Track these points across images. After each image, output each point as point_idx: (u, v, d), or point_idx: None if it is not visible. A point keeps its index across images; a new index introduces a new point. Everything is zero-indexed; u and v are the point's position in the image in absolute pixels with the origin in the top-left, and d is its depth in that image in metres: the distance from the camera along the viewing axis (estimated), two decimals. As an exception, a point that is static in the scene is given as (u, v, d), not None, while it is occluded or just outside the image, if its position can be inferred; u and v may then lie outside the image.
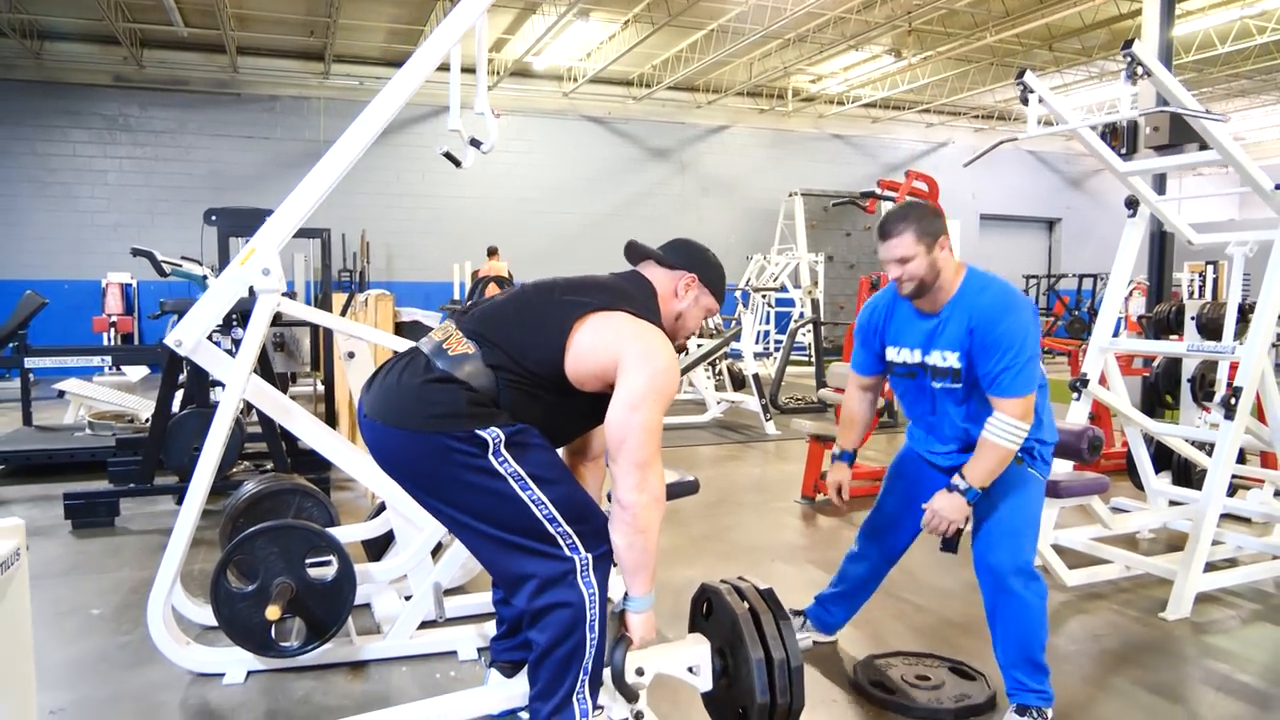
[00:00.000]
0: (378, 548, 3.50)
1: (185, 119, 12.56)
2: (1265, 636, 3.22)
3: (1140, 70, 3.25)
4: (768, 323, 14.67)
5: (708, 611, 2.36)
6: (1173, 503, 4.17)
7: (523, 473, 1.92)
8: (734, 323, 12.45)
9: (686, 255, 2.20)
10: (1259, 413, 3.77)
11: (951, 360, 2.48)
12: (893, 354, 2.67)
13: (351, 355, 3.15)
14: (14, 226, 11.84)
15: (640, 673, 2.13)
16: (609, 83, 14.14)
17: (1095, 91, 15.00)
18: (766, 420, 7.56)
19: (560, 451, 2.19)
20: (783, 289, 13.68)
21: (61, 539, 4.33)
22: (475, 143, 3.05)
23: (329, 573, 2.86)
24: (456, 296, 12.68)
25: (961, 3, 10.08)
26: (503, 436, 1.91)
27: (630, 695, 2.09)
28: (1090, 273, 16.91)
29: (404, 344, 3.21)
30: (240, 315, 4.74)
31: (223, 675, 2.81)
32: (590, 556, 1.96)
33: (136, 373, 10.60)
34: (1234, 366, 3.85)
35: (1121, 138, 7.50)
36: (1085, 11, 10.60)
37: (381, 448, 2.00)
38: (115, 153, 12.28)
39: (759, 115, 15.75)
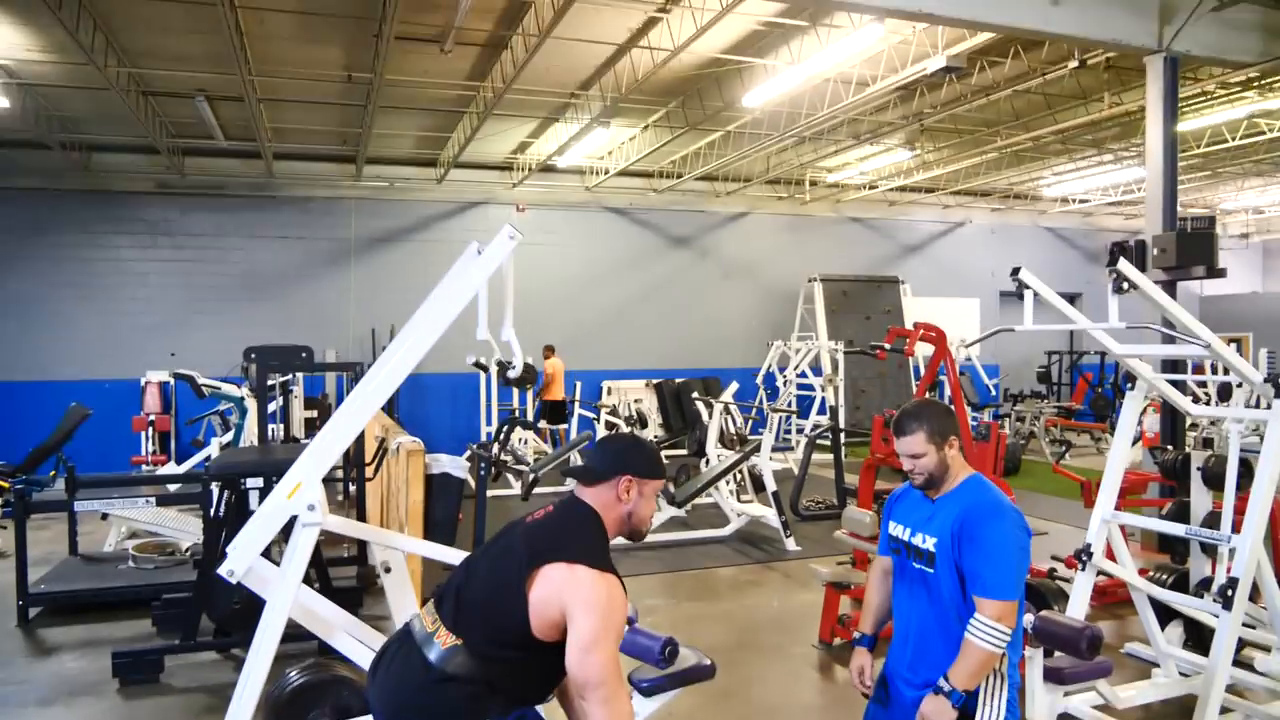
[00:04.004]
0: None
1: (223, 221, 13.09)
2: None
3: (1126, 285, 3.45)
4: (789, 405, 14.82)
5: None
6: (1182, 672, 4.25)
7: None
8: (753, 410, 12.63)
9: (613, 458, 2.37)
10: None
11: (929, 544, 2.64)
12: (892, 528, 2.83)
13: (389, 570, 3.37)
14: (59, 330, 12.33)
15: None
16: (630, 175, 14.55)
17: (1109, 176, 15.21)
18: (786, 537, 7.69)
19: None
20: (802, 374, 13.83)
21: (108, 700, 4.55)
22: (502, 368, 3.28)
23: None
24: (484, 411, 12.96)
25: (973, 105, 10.38)
26: None
27: None
28: (1112, 350, 16.92)
29: (435, 550, 3.45)
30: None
31: None
32: None
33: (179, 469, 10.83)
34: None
35: (1131, 256, 7.70)
36: (1092, 106, 10.86)
37: None
38: (156, 255, 12.80)
39: (778, 202, 16.11)
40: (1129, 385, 4.24)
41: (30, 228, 12.26)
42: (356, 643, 3.12)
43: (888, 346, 5.40)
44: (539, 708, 2.31)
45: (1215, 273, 7.13)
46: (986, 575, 2.51)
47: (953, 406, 4.32)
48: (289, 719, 3.50)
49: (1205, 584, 4.27)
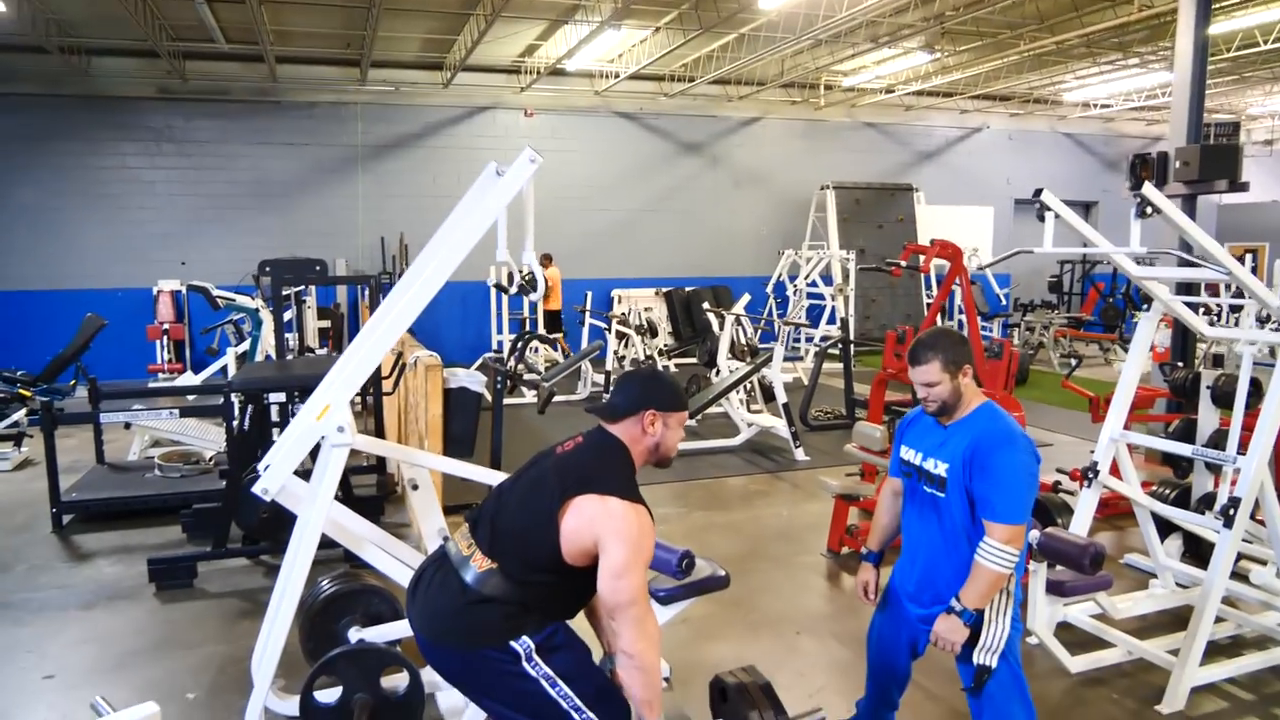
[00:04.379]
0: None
1: (228, 128, 12.90)
2: (1252, 736, 3.48)
3: (1150, 210, 3.43)
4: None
5: (724, 697, 2.91)
6: (1179, 584, 4.40)
7: (552, 673, 2.31)
8: (762, 319, 12.66)
9: (637, 394, 2.48)
10: None
11: (941, 470, 2.72)
12: (904, 452, 2.91)
13: (415, 487, 3.47)
14: (69, 239, 12.32)
15: None
16: (641, 79, 14.20)
17: (1133, 81, 14.79)
18: (796, 447, 7.83)
19: None
20: (812, 283, 13.78)
21: (147, 604, 4.75)
22: (522, 290, 3.31)
23: (401, 682, 3.24)
24: (494, 321, 13.03)
25: (997, 7, 10.03)
26: (532, 645, 2.30)
27: None
28: (1125, 259, 16.75)
29: (461, 468, 3.55)
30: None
31: (310, 776, 3.20)
32: None
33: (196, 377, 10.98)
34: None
35: (1152, 170, 7.56)
36: (1120, 9, 10.48)
37: (438, 664, 2.42)
38: (163, 163, 12.67)
39: (791, 106, 15.74)
40: (1145, 305, 4.25)
41: (34, 135, 12.11)
42: (382, 553, 3.25)
43: (903, 263, 5.40)
44: (568, 622, 2.44)
45: (1238, 186, 7.02)
46: (996, 501, 2.59)
47: (966, 332, 4.34)
48: (322, 625, 3.67)
49: (1207, 500, 4.37)
